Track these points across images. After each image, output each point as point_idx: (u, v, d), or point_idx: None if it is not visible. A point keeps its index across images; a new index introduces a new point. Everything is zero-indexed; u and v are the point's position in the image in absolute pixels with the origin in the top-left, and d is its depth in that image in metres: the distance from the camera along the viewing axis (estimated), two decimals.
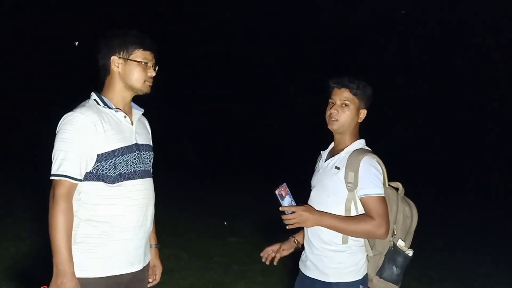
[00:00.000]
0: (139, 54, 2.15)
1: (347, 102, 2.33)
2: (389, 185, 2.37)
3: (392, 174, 2.37)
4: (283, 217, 2.21)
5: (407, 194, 2.41)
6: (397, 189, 2.39)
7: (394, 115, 13.56)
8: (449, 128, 14.09)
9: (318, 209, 2.30)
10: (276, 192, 2.21)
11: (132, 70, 2.14)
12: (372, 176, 2.22)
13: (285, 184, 2.24)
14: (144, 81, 2.17)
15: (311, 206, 2.30)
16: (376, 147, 2.43)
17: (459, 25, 13.64)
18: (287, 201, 2.21)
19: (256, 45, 15.00)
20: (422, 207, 2.44)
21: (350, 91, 2.33)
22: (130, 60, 2.14)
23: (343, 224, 2.22)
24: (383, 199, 2.22)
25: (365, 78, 2.39)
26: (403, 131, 14.07)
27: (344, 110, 2.33)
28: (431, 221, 7.55)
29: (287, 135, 13.93)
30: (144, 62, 2.15)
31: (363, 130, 2.42)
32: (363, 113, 2.38)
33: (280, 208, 2.21)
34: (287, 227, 2.23)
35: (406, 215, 2.32)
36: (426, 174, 11.63)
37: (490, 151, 13.49)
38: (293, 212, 2.20)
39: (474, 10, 13.07)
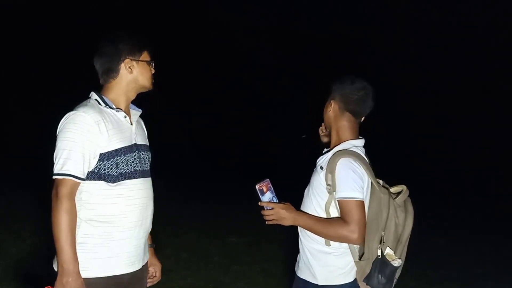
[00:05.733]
0: (146, 54, 2.21)
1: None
2: (383, 187, 2.27)
3: (394, 176, 2.32)
4: (262, 212, 2.23)
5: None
6: (399, 193, 2.28)
7: (394, 116, 13.54)
8: (449, 128, 14.09)
9: (304, 209, 2.30)
10: (257, 186, 2.21)
11: (143, 70, 2.19)
12: (349, 179, 2.15)
13: (267, 179, 2.24)
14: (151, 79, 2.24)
15: (290, 205, 2.26)
16: (376, 149, 2.38)
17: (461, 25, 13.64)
18: (267, 196, 2.22)
19: (256, 45, 14.99)
20: (423, 207, 2.40)
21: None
22: (141, 61, 2.18)
23: (318, 225, 2.20)
24: (360, 204, 2.15)
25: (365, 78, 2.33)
26: (402, 132, 14.07)
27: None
28: (431, 221, 7.57)
29: (288, 134, 13.92)
30: (151, 61, 2.22)
31: (363, 132, 2.37)
32: (332, 104, 2.32)
33: (259, 203, 2.22)
34: (266, 223, 2.24)
35: (398, 223, 2.21)
36: (426, 174, 11.62)
37: (491, 151, 13.49)
38: (272, 209, 2.21)
39: (476, 10, 13.06)
